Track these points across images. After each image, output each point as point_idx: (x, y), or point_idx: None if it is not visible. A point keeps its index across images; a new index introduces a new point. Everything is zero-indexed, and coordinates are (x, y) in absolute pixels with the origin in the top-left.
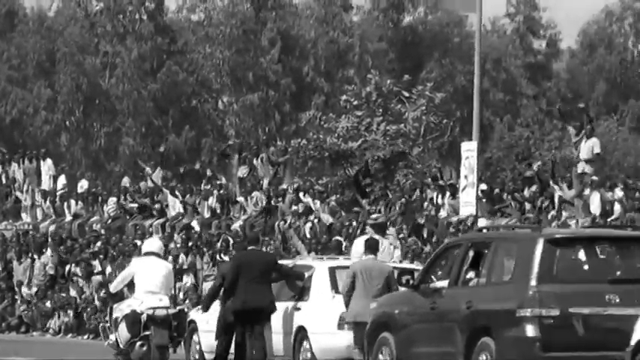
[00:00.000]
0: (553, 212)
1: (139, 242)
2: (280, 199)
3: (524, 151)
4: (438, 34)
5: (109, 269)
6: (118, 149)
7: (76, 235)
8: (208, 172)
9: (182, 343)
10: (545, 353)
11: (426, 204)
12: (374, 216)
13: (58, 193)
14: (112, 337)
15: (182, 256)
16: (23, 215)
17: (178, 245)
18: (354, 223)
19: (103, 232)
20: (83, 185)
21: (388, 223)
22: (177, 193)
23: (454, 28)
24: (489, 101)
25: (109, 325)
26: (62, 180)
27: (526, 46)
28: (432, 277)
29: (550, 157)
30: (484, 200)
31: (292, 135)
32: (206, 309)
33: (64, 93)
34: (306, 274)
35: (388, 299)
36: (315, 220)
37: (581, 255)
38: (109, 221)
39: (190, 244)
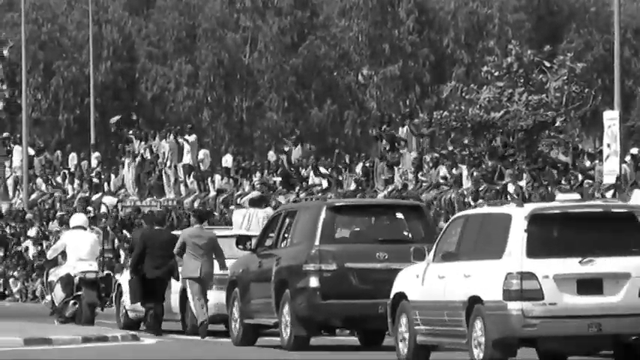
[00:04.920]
0: None
1: None
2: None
3: None
4: (576, 4)
5: None
6: (260, 123)
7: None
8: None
9: (113, 302)
10: (325, 300)
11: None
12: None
13: (202, 169)
14: (48, 297)
15: None
16: (167, 191)
17: None
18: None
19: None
20: (227, 160)
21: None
22: (321, 167)
23: None
24: (630, 70)
25: (44, 286)
26: (204, 155)
27: None
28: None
29: None
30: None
31: (434, 107)
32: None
33: (205, 68)
34: None
35: (238, 261)
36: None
37: (357, 219)
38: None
39: None
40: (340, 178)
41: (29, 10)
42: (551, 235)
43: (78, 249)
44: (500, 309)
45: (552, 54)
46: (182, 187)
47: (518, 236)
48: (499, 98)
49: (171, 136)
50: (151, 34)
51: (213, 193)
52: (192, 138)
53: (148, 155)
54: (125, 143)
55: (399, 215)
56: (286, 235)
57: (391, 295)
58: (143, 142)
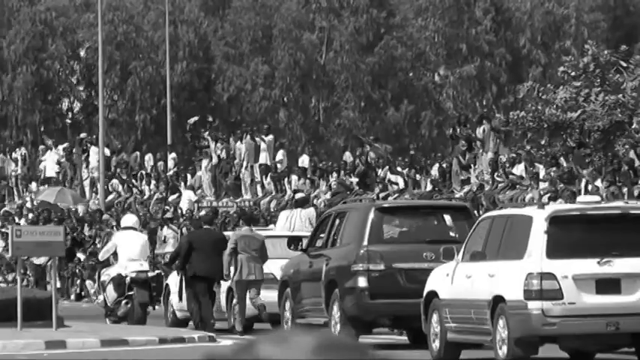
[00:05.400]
0: None
1: None
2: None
3: None
4: None
5: None
6: (337, 124)
7: None
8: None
9: (162, 301)
10: (373, 300)
11: None
12: (297, 194)
13: (278, 169)
14: (100, 297)
15: None
16: (243, 192)
17: None
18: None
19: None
20: (304, 160)
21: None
22: (398, 168)
23: None
24: None
25: (97, 287)
26: (281, 156)
27: None
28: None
29: None
30: None
31: (510, 107)
32: (170, 269)
33: (282, 69)
34: None
35: (290, 262)
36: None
37: (405, 220)
38: (329, 196)
39: None
40: (417, 178)
41: (106, 11)
42: (570, 237)
43: (129, 249)
44: (521, 308)
45: (629, 54)
46: (259, 188)
47: (538, 237)
48: (576, 98)
49: (248, 137)
50: (227, 34)
51: (289, 193)
52: (269, 138)
53: (224, 156)
54: (200, 147)
55: (446, 216)
56: (336, 236)
57: (424, 293)
58: (219, 143)
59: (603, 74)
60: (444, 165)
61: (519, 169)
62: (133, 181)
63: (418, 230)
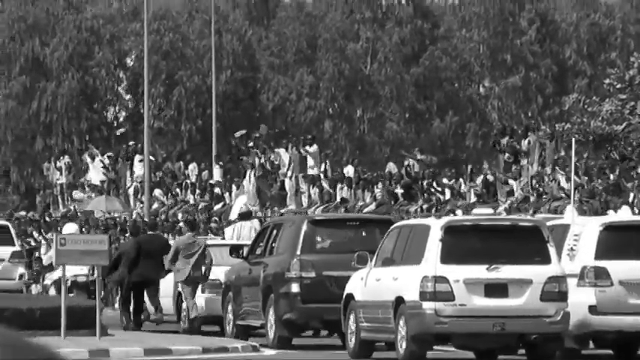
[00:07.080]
0: None
1: None
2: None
3: None
4: None
5: None
6: (382, 134)
7: None
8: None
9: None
10: (305, 305)
11: None
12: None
13: (328, 179)
14: None
15: None
16: (288, 202)
17: None
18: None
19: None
20: (349, 171)
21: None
22: (445, 180)
23: None
24: None
25: (40, 289)
26: (325, 166)
27: None
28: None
29: None
30: None
31: (556, 118)
32: (107, 276)
33: (326, 79)
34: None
35: (232, 268)
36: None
37: (336, 232)
38: (374, 207)
39: None
40: (462, 189)
41: (151, 20)
42: (463, 244)
43: None
44: (417, 308)
45: None
46: (303, 198)
47: (434, 244)
48: (621, 111)
49: (293, 148)
50: (271, 44)
51: (336, 201)
52: (314, 148)
53: (268, 166)
54: (246, 154)
55: (374, 228)
56: (273, 245)
57: (343, 296)
58: (263, 154)
59: None
60: (489, 176)
61: (561, 179)
62: (177, 189)
63: (347, 241)
